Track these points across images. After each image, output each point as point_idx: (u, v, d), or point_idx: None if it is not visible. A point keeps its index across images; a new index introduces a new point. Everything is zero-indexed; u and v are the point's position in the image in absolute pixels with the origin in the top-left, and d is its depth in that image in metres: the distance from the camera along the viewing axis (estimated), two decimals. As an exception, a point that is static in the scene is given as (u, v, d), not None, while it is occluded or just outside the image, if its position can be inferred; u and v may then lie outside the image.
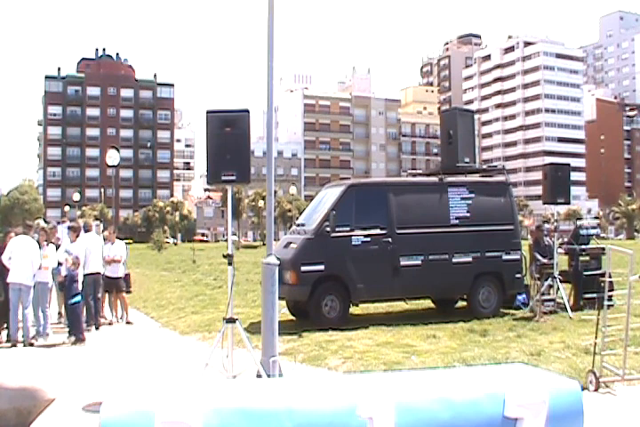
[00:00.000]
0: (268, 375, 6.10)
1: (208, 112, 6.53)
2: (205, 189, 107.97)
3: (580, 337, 8.71)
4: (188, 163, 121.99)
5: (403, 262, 10.72)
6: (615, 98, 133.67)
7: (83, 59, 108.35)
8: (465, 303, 11.75)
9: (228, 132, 6.40)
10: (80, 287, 10.11)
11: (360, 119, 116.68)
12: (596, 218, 69.33)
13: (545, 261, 11.67)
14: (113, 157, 30.51)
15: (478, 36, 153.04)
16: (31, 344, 9.58)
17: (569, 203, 12.12)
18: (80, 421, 5.47)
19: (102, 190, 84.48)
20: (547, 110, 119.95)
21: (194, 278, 21.40)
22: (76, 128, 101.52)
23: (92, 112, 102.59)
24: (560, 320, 10.47)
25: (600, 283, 7.43)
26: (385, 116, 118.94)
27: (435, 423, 3.23)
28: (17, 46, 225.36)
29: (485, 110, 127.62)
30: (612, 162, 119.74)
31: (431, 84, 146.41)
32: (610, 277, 7.04)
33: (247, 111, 6.54)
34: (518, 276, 11.53)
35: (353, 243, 10.54)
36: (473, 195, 11.43)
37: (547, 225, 13.91)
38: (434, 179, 11.88)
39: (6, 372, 5.49)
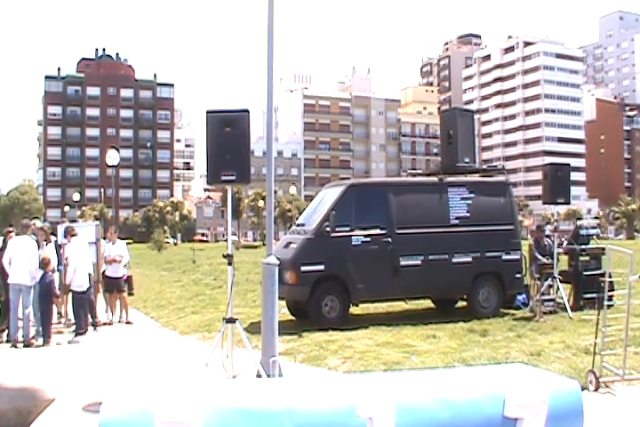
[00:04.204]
0: (268, 375, 6.10)
1: (208, 112, 6.53)
2: (205, 189, 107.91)
3: (580, 337, 8.71)
4: (188, 163, 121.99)
5: (403, 262, 10.72)
6: (615, 98, 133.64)
7: (83, 59, 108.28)
8: (465, 303, 11.75)
9: (228, 132, 6.40)
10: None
11: (360, 119, 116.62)
12: (596, 218, 69.38)
13: (545, 260, 11.67)
14: (113, 157, 30.57)
15: (478, 36, 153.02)
16: (31, 344, 9.58)
17: (569, 203, 12.13)
18: (80, 421, 5.46)
19: (102, 190, 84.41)
20: (547, 110, 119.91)
21: (194, 278, 21.40)
22: (75, 128, 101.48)
23: (92, 112, 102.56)
24: (560, 320, 10.47)
25: (600, 283, 7.43)
26: (385, 116, 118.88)
27: (435, 423, 3.23)
28: (17, 46, 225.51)
29: (485, 110, 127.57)
30: (612, 162, 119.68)
31: (431, 84, 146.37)
32: (610, 277, 7.04)
33: (247, 111, 6.54)
34: (518, 276, 11.53)
35: (353, 243, 10.54)
36: (473, 195, 11.42)
37: (548, 226, 13.91)
38: (434, 179, 11.88)
39: (6, 372, 5.50)
